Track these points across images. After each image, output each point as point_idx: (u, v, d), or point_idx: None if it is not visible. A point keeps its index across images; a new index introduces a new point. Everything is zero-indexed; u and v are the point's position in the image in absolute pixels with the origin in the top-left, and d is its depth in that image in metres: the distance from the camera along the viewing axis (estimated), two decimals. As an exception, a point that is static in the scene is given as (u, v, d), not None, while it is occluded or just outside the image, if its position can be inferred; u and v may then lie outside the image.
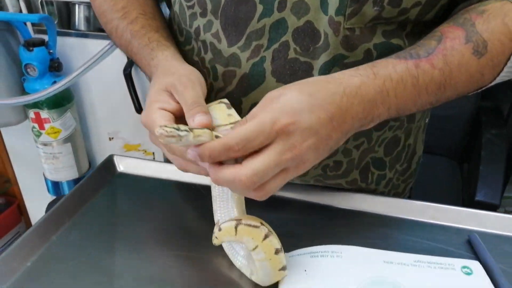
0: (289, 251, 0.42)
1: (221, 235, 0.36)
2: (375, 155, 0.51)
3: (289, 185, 0.52)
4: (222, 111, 0.39)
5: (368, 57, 0.42)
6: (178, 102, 0.39)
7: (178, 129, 0.31)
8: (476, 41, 0.38)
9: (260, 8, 0.41)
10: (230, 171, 0.33)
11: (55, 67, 1.12)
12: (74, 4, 1.16)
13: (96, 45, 1.08)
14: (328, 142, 0.35)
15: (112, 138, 1.31)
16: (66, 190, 1.28)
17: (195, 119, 0.36)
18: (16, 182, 1.50)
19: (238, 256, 0.40)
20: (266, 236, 0.35)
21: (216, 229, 0.37)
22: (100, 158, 1.36)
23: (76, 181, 1.27)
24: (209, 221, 0.42)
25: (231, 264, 0.41)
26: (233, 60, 0.44)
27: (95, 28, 1.17)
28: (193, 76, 0.41)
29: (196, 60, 0.48)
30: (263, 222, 0.36)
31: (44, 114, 1.15)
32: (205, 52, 0.46)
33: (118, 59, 1.10)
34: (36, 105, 1.13)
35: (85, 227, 0.47)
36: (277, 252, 0.36)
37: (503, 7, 0.39)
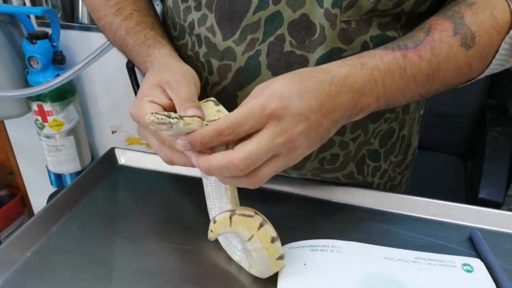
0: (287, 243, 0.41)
1: (216, 227, 0.36)
2: (371, 147, 0.51)
3: (286, 179, 0.52)
4: (211, 108, 0.39)
5: (365, 50, 0.41)
6: (170, 99, 0.39)
7: (169, 117, 0.31)
8: (464, 34, 0.38)
9: (255, 1, 0.41)
10: (223, 157, 0.33)
11: (58, 60, 1.12)
12: (77, -3, 1.16)
13: (99, 38, 1.08)
14: (318, 129, 0.35)
15: (115, 131, 1.32)
16: (68, 183, 1.28)
17: (187, 112, 0.36)
18: (20, 174, 1.51)
19: (236, 250, 0.40)
20: (261, 225, 0.35)
21: (211, 224, 0.37)
22: (102, 151, 1.36)
23: (78, 173, 1.27)
24: (209, 215, 0.42)
25: (230, 257, 0.41)
26: (228, 54, 0.44)
27: (99, 22, 1.16)
28: (188, 75, 0.41)
29: (190, 54, 0.48)
30: (257, 212, 0.36)
31: (47, 106, 1.15)
32: (200, 46, 0.46)
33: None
34: (39, 97, 1.14)
35: (85, 218, 0.47)
36: (273, 240, 0.36)
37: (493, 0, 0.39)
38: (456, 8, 0.39)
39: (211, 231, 0.36)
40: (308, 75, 0.36)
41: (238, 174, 0.33)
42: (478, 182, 0.91)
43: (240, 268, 0.40)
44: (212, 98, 0.41)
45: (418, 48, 0.38)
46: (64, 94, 1.16)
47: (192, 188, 0.52)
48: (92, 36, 1.14)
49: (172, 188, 0.53)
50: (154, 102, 0.38)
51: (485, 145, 0.98)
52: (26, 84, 1.16)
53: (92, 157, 1.36)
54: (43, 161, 1.30)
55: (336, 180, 0.53)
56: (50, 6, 1.17)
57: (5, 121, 1.40)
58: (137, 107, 0.38)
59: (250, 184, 0.34)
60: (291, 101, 0.33)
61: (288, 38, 0.42)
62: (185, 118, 0.32)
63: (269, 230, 0.36)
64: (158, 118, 0.31)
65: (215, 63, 0.45)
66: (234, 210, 0.35)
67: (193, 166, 0.37)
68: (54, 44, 1.12)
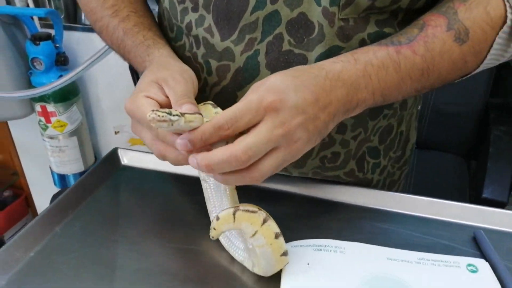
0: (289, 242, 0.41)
1: (219, 224, 0.35)
2: (370, 144, 0.51)
3: (287, 178, 0.52)
4: (208, 110, 0.39)
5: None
6: (167, 96, 0.39)
7: (169, 114, 0.31)
8: (458, 29, 0.38)
9: (252, 1, 0.41)
10: (223, 151, 0.33)
11: (61, 61, 1.13)
12: (80, -2, 1.16)
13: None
14: (316, 122, 0.35)
15: (118, 132, 1.32)
16: (72, 183, 1.28)
17: (183, 108, 0.36)
18: (23, 175, 1.52)
19: (238, 250, 0.40)
20: (264, 221, 0.35)
21: (213, 221, 0.37)
22: (105, 152, 1.36)
23: (81, 174, 1.27)
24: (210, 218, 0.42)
25: (232, 257, 0.41)
26: (227, 54, 0.44)
27: (101, 22, 1.17)
28: (187, 74, 0.41)
29: (188, 55, 0.48)
30: (260, 208, 0.36)
31: (50, 107, 1.16)
32: (198, 47, 0.46)
33: (124, 53, 1.10)
34: (42, 98, 1.14)
35: (88, 219, 0.47)
36: (277, 236, 0.35)
37: None
38: (450, 4, 0.40)
39: (214, 228, 0.36)
40: (302, 71, 0.36)
41: (239, 167, 0.33)
42: (482, 182, 0.91)
43: (243, 268, 0.40)
44: (210, 102, 0.41)
45: (412, 43, 0.38)
46: (67, 95, 1.17)
47: (194, 189, 0.52)
48: (94, 37, 1.14)
49: (175, 188, 0.53)
50: (150, 98, 0.38)
51: (489, 144, 0.98)
52: (30, 85, 1.17)
53: (95, 158, 1.36)
54: (46, 161, 1.31)
55: (336, 178, 0.53)
56: (53, 8, 1.17)
57: (9, 122, 1.40)
58: (133, 102, 0.38)
59: (252, 179, 0.34)
60: (287, 94, 0.34)
61: (286, 37, 0.42)
62: (186, 115, 0.32)
63: (273, 226, 0.35)
64: (159, 116, 0.31)
65: (213, 63, 0.45)
66: (238, 206, 0.35)
67: (185, 163, 0.37)
68: (57, 45, 1.12)
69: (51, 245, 0.43)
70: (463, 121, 1.11)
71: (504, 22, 0.38)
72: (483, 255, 0.41)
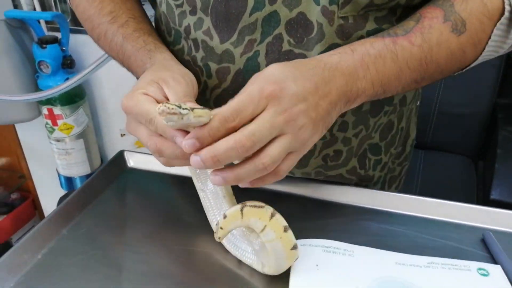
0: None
1: (227, 222, 0.35)
2: (372, 141, 0.51)
3: (290, 179, 0.52)
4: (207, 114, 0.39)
5: None
6: (166, 97, 0.38)
7: (179, 107, 0.30)
8: (455, 20, 0.39)
9: (251, 2, 0.41)
10: (227, 139, 0.33)
11: (67, 64, 1.14)
12: (86, 1, 1.17)
13: (108, 42, 1.09)
14: (318, 109, 0.35)
15: (124, 134, 1.33)
16: (78, 185, 1.29)
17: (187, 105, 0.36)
18: (31, 177, 1.53)
19: (246, 253, 0.40)
20: (272, 215, 0.35)
21: (220, 221, 0.36)
22: (111, 154, 1.37)
23: (88, 176, 1.28)
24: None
25: (239, 260, 0.41)
26: (227, 57, 0.44)
27: (107, 25, 1.17)
28: (188, 77, 0.41)
29: (187, 59, 0.47)
30: (266, 204, 0.36)
31: (57, 110, 1.16)
32: (197, 50, 0.46)
33: (130, 55, 1.10)
34: (49, 101, 1.15)
35: (95, 221, 0.47)
36: (285, 229, 0.35)
37: None
38: None
39: (221, 228, 0.35)
40: (300, 63, 0.37)
41: (244, 153, 0.33)
42: (490, 183, 0.90)
43: (251, 270, 0.40)
44: (207, 108, 0.41)
45: (408, 34, 0.39)
46: (74, 98, 1.18)
47: (200, 190, 0.52)
48: (100, 40, 1.15)
49: (181, 190, 0.53)
50: (148, 95, 0.38)
51: (496, 145, 0.97)
52: (36, 88, 1.18)
53: (102, 160, 1.37)
54: (53, 164, 1.32)
55: (339, 177, 0.52)
56: (59, 11, 1.18)
57: (16, 125, 1.42)
58: (130, 98, 0.38)
59: (265, 165, 0.33)
60: (286, 84, 0.34)
61: (286, 37, 0.42)
62: (195, 110, 0.32)
63: (281, 220, 0.35)
64: (169, 108, 0.30)
65: (213, 66, 0.45)
66: (244, 202, 0.35)
67: (178, 163, 0.37)
68: (64, 48, 1.13)
69: (58, 248, 0.43)
70: (470, 121, 1.10)
71: (502, 14, 0.39)
72: (492, 257, 0.41)
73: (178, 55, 0.48)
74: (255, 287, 0.38)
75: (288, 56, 0.42)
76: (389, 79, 0.39)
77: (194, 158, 0.34)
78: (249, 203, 0.35)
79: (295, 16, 0.41)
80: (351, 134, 0.49)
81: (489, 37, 0.40)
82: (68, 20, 1.15)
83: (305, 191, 0.51)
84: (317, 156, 0.49)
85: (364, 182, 0.56)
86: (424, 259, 0.40)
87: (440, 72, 0.41)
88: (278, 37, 0.42)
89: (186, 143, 0.33)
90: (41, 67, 1.12)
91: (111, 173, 0.55)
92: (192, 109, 0.31)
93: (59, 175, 1.31)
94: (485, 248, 0.42)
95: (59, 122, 1.18)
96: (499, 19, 0.39)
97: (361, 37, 0.42)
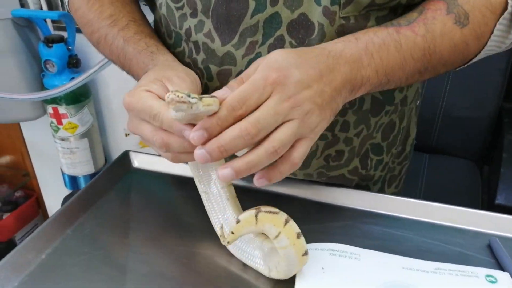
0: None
1: (240, 227, 0.34)
2: (374, 141, 0.51)
3: (292, 181, 0.51)
4: (215, 102, 0.39)
5: None
6: None
7: (189, 96, 0.30)
8: (458, 13, 0.39)
9: (252, 4, 0.41)
10: (233, 128, 0.32)
11: (73, 63, 1.14)
12: (92, 1, 1.17)
13: (113, 41, 1.09)
14: (323, 95, 0.35)
15: (128, 134, 1.33)
16: (82, 185, 1.30)
17: None
18: (35, 176, 1.54)
19: (254, 258, 0.39)
20: (286, 221, 0.34)
21: (231, 226, 0.36)
22: (116, 154, 1.38)
23: (92, 176, 1.29)
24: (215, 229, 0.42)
25: (244, 263, 0.41)
26: (228, 59, 0.44)
27: (113, 25, 1.18)
28: (192, 76, 0.41)
29: (188, 61, 0.47)
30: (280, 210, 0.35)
31: (62, 109, 1.17)
32: (197, 53, 0.46)
33: (135, 56, 1.10)
34: (54, 100, 1.16)
35: (99, 221, 0.47)
36: (298, 236, 0.35)
37: None
38: None
39: (232, 232, 0.35)
40: (304, 50, 0.37)
41: (251, 140, 0.32)
42: (495, 188, 0.89)
43: (257, 273, 0.40)
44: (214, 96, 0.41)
45: (412, 24, 0.39)
46: (79, 97, 1.18)
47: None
48: (106, 40, 1.16)
49: (185, 191, 0.53)
50: (151, 92, 0.37)
51: (502, 150, 0.96)
52: (42, 87, 1.18)
53: (106, 160, 1.37)
54: (57, 163, 1.32)
55: (341, 177, 0.52)
56: (66, 11, 1.18)
57: (21, 123, 1.42)
58: (132, 94, 0.37)
59: (276, 149, 0.33)
60: (290, 71, 0.34)
61: (287, 38, 0.42)
62: (204, 99, 0.31)
63: (294, 226, 0.35)
64: (178, 96, 0.29)
65: (214, 69, 0.45)
66: (259, 207, 0.34)
67: (186, 158, 0.36)
68: (70, 47, 1.14)
69: (62, 247, 0.43)
70: (476, 125, 1.09)
71: (505, 8, 0.39)
72: (498, 263, 0.40)
73: (179, 58, 0.48)
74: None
75: None
76: (393, 68, 0.39)
77: (198, 152, 0.33)
78: (263, 208, 0.34)
79: (296, 17, 0.41)
80: (353, 134, 0.49)
81: (492, 31, 0.40)
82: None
83: (307, 193, 0.51)
84: (319, 156, 0.49)
85: (364, 182, 0.56)
86: (431, 265, 0.40)
87: (443, 64, 0.41)
88: (279, 38, 0.42)
89: (194, 135, 0.32)
90: (47, 66, 1.12)
91: (116, 173, 0.55)
92: (201, 98, 0.31)
93: (63, 174, 1.32)
94: (491, 254, 0.42)
95: (64, 121, 1.18)
96: (502, 13, 0.39)
97: None
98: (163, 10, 0.48)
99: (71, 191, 1.34)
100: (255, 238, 0.39)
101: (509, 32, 0.41)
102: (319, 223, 0.47)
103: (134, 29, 0.47)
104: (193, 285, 0.39)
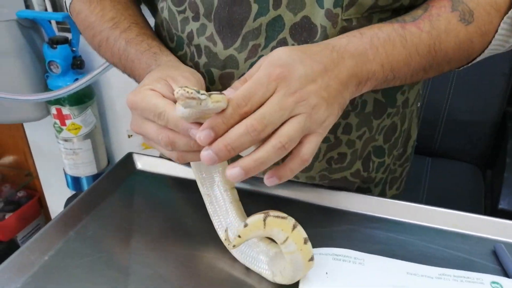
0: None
1: (248, 231, 0.34)
2: (376, 144, 0.51)
3: (294, 184, 0.51)
4: (224, 99, 0.38)
5: None
6: (173, 94, 0.36)
7: (198, 92, 0.29)
8: (462, 10, 0.39)
9: (255, 7, 0.41)
10: (239, 126, 0.32)
11: (77, 65, 1.14)
12: (97, 2, 1.18)
13: (117, 43, 1.09)
14: (329, 89, 0.35)
15: (131, 135, 1.33)
16: (85, 185, 1.30)
17: None
18: (37, 176, 1.54)
19: (258, 262, 0.39)
20: (294, 226, 0.34)
21: (239, 229, 0.35)
22: (118, 155, 1.38)
23: (95, 177, 1.29)
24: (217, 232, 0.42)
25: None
26: (231, 62, 0.44)
27: (117, 27, 1.18)
28: (197, 76, 0.41)
29: (190, 65, 0.47)
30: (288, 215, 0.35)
31: (65, 110, 1.17)
32: (199, 56, 0.46)
33: (139, 57, 1.11)
34: (58, 101, 1.16)
35: (102, 223, 0.47)
36: (306, 241, 0.35)
37: None
38: None
39: (239, 236, 0.34)
40: (307, 46, 0.36)
41: (257, 137, 0.32)
42: (498, 192, 0.89)
43: (260, 278, 0.39)
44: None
45: (417, 21, 0.39)
46: (83, 98, 1.18)
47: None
48: (110, 41, 1.16)
49: (189, 194, 0.53)
50: (156, 91, 0.37)
51: (505, 154, 0.96)
52: (46, 88, 1.19)
53: (108, 161, 1.37)
54: (60, 163, 1.32)
55: (343, 180, 0.52)
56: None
57: (24, 124, 1.43)
58: (136, 93, 0.37)
59: (283, 144, 0.32)
60: (294, 66, 0.33)
61: (290, 41, 0.42)
62: (212, 95, 0.31)
63: (302, 231, 0.35)
64: (188, 92, 0.29)
65: (216, 72, 0.45)
66: (267, 212, 0.34)
67: (193, 158, 0.36)
68: (74, 49, 1.14)
69: (65, 249, 0.43)
70: (479, 129, 1.09)
71: (510, 7, 0.39)
72: (503, 270, 0.40)
73: (181, 61, 0.48)
74: (262, 293, 0.38)
75: None
76: (399, 63, 0.39)
77: (205, 153, 0.32)
78: (272, 213, 0.34)
79: (299, 20, 0.41)
80: (355, 137, 0.49)
81: (496, 30, 0.40)
82: (79, 21, 1.15)
83: (309, 197, 0.51)
84: (322, 159, 0.49)
85: (366, 184, 0.56)
86: (436, 270, 0.39)
87: (448, 62, 0.41)
88: (282, 41, 0.42)
89: (201, 134, 0.32)
90: (51, 67, 1.12)
91: (119, 176, 0.55)
92: (210, 95, 0.30)
93: (65, 174, 1.32)
94: (496, 260, 0.42)
95: (67, 122, 1.19)
96: (507, 12, 0.39)
97: None
98: (165, 14, 0.47)
99: (73, 191, 1.34)
100: (260, 242, 0.39)
101: None
102: (322, 227, 0.46)
103: (136, 31, 0.47)
104: (196, 287, 0.39)
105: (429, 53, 0.39)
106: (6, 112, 1.22)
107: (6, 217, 1.46)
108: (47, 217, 1.62)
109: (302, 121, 0.33)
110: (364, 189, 0.56)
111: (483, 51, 0.42)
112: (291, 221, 0.34)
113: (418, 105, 0.58)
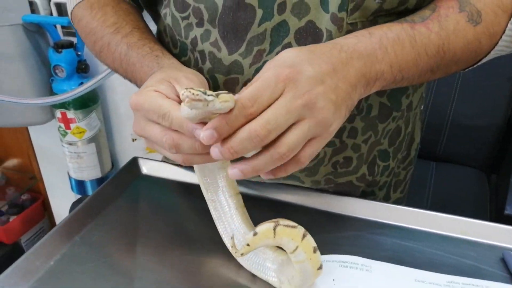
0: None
1: (257, 240, 0.34)
2: (381, 148, 0.51)
3: (301, 190, 0.51)
4: (232, 98, 0.38)
5: None
6: (177, 95, 0.36)
7: (204, 93, 0.28)
8: (470, 11, 0.39)
9: (260, 12, 0.41)
10: (243, 129, 0.31)
11: (82, 69, 1.15)
12: (102, 7, 1.18)
13: (122, 47, 1.10)
14: (337, 91, 0.34)
15: (135, 139, 1.33)
16: (89, 189, 1.30)
17: None
18: (42, 179, 1.55)
19: (265, 270, 0.39)
20: (304, 236, 0.34)
21: (247, 238, 0.35)
22: (122, 159, 1.38)
23: (99, 180, 1.29)
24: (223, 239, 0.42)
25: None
26: (235, 68, 0.44)
27: (122, 31, 1.19)
28: (200, 77, 0.40)
29: None
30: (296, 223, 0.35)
31: (70, 114, 1.17)
32: (203, 62, 0.45)
33: (143, 61, 1.11)
34: (63, 105, 1.16)
35: (107, 228, 0.47)
36: (315, 250, 0.35)
37: None
38: None
39: (247, 245, 0.34)
40: (316, 46, 0.36)
41: (260, 143, 0.31)
42: (503, 197, 0.88)
43: (266, 285, 0.39)
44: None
45: (426, 21, 0.39)
46: (87, 102, 1.19)
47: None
48: (115, 46, 1.16)
49: (194, 199, 0.53)
50: (160, 92, 0.36)
51: (511, 158, 0.95)
52: (51, 92, 1.19)
53: (112, 165, 1.38)
54: (64, 167, 1.33)
55: (349, 184, 0.52)
56: (75, 17, 1.19)
57: (29, 128, 1.43)
58: (140, 94, 0.36)
59: (281, 155, 0.32)
60: (302, 67, 0.33)
61: (295, 46, 0.42)
62: (220, 95, 0.30)
63: (311, 240, 0.35)
64: (193, 94, 0.28)
65: (220, 78, 0.45)
66: (277, 220, 0.34)
67: (198, 160, 0.36)
68: (79, 53, 1.15)
69: (71, 254, 0.43)
70: (484, 134, 1.09)
71: None
72: (512, 277, 0.40)
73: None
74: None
75: None
76: (408, 63, 0.38)
77: (214, 150, 0.32)
78: (281, 221, 0.34)
79: (304, 25, 0.41)
80: (361, 141, 0.48)
81: (504, 31, 0.40)
82: (84, 25, 1.16)
83: (314, 202, 0.50)
84: (327, 163, 0.49)
85: (370, 188, 0.55)
86: (444, 278, 0.39)
87: (456, 62, 0.41)
88: (287, 46, 0.42)
89: (204, 134, 0.31)
90: (56, 71, 1.13)
91: (124, 180, 0.55)
92: (217, 95, 0.30)
93: (70, 178, 1.32)
94: (505, 268, 0.41)
95: (72, 125, 1.19)
96: None
97: None
98: (168, 20, 0.47)
99: (77, 195, 1.34)
100: (267, 250, 0.39)
101: None
102: (327, 233, 0.46)
103: (138, 35, 0.47)
104: (202, 295, 0.38)
105: (437, 54, 0.39)
106: (11, 115, 1.22)
107: (10, 220, 1.47)
108: (51, 220, 1.62)
109: (307, 127, 0.33)
110: (368, 192, 0.56)
111: (489, 52, 0.42)
112: (301, 230, 0.34)
113: (421, 108, 0.58)
